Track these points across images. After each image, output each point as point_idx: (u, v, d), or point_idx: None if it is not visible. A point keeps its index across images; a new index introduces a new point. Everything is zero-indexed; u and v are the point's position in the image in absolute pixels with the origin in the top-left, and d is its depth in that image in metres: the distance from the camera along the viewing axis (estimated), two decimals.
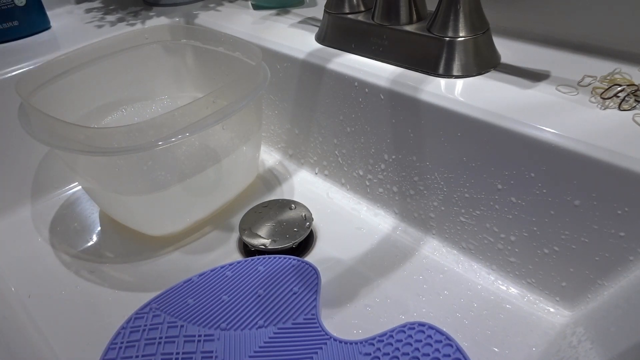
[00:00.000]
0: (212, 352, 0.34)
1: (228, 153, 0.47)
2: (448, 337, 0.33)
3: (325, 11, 0.50)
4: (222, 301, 0.38)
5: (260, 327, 0.36)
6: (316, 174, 0.55)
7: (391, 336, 0.34)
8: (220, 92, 0.40)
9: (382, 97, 0.43)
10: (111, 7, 0.69)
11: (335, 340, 0.35)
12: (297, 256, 0.42)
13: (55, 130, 0.38)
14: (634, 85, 0.36)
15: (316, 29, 0.53)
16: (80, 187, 0.56)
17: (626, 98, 0.35)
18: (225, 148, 0.47)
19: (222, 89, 0.40)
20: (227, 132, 0.46)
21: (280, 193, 0.53)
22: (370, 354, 0.33)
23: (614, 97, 0.35)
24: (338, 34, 0.49)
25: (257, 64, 0.45)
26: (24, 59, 0.53)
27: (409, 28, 0.44)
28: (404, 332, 0.34)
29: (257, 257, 0.42)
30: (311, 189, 0.53)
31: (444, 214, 0.43)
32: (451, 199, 0.42)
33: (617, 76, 0.38)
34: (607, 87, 0.36)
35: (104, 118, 0.55)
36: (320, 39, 0.51)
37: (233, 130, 0.47)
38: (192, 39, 0.55)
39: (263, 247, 0.43)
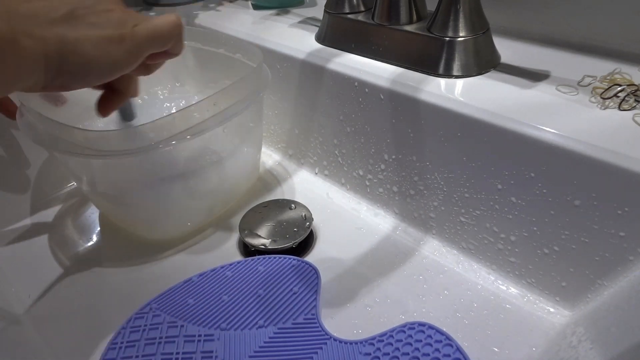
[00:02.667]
0: (212, 352, 0.34)
1: (230, 156, 0.47)
2: (448, 337, 0.33)
3: (325, 11, 0.50)
4: (222, 301, 0.38)
5: (260, 327, 0.36)
6: (316, 174, 0.55)
7: (391, 336, 0.34)
8: (221, 94, 0.40)
9: (382, 97, 0.43)
10: None
11: (335, 340, 0.35)
12: (297, 256, 0.42)
13: (55, 132, 0.38)
14: (634, 85, 0.36)
15: (316, 29, 0.53)
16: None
17: (626, 98, 0.35)
18: (228, 151, 0.47)
19: (223, 91, 0.40)
20: (229, 134, 0.46)
21: (280, 193, 0.53)
22: (370, 354, 0.33)
23: (614, 97, 0.35)
24: (338, 34, 0.49)
25: (258, 66, 0.45)
26: None
27: (409, 28, 0.44)
28: (404, 332, 0.34)
29: (257, 257, 0.42)
30: (311, 189, 0.53)
31: (444, 214, 0.43)
32: (451, 199, 0.42)
33: (617, 76, 0.38)
34: (607, 87, 0.36)
35: (103, 120, 0.54)
36: (320, 39, 0.51)
37: (235, 132, 0.47)
38: (192, 41, 0.54)
39: (263, 247, 0.43)
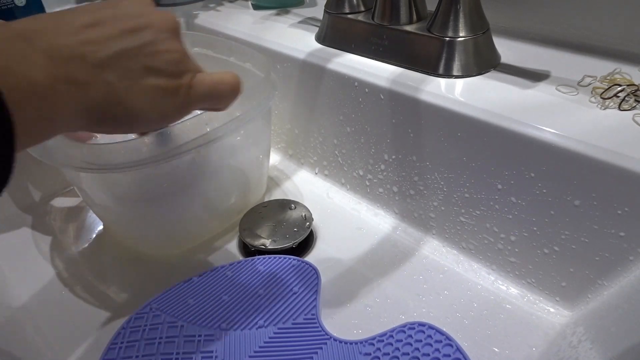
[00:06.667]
0: (212, 352, 0.34)
1: (243, 170, 0.47)
2: (448, 337, 0.33)
3: (325, 11, 0.50)
4: (222, 301, 0.38)
5: (260, 327, 0.36)
6: (316, 174, 0.55)
7: (391, 336, 0.34)
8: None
9: (382, 97, 0.43)
10: None
11: (335, 340, 0.35)
12: (297, 256, 0.42)
13: (59, 147, 0.37)
14: (634, 85, 0.36)
15: (316, 29, 0.53)
16: None
17: (626, 98, 0.35)
18: (239, 164, 0.46)
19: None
20: (244, 147, 0.45)
21: (280, 193, 0.53)
22: (370, 354, 0.33)
23: (614, 97, 0.35)
24: (338, 34, 0.49)
25: (266, 76, 0.43)
26: None
27: (409, 28, 0.44)
28: (404, 332, 0.34)
29: (257, 257, 0.42)
30: (311, 189, 0.53)
31: (444, 214, 0.43)
32: (451, 199, 0.42)
33: (617, 76, 0.38)
34: (607, 87, 0.36)
35: None
36: (320, 39, 0.51)
37: (245, 143, 0.45)
38: (204, 48, 0.53)
39: (263, 247, 0.43)
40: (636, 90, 0.35)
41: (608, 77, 0.38)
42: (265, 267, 0.40)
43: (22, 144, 0.20)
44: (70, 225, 0.51)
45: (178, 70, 0.26)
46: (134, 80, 0.24)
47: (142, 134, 0.34)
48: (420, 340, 0.33)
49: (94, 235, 0.49)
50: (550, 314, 0.37)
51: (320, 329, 0.35)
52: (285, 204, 0.48)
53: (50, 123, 0.22)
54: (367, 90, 0.44)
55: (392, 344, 0.34)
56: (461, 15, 0.40)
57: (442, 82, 0.41)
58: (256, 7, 0.65)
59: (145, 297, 0.38)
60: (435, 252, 0.44)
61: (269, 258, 0.41)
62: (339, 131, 0.49)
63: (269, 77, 0.44)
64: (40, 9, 0.62)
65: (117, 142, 0.36)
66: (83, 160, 0.36)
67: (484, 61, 0.41)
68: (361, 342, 0.34)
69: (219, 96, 0.28)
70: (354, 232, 0.47)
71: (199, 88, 0.27)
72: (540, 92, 0.38)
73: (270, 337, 0.35)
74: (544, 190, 0.35)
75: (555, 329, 0.36)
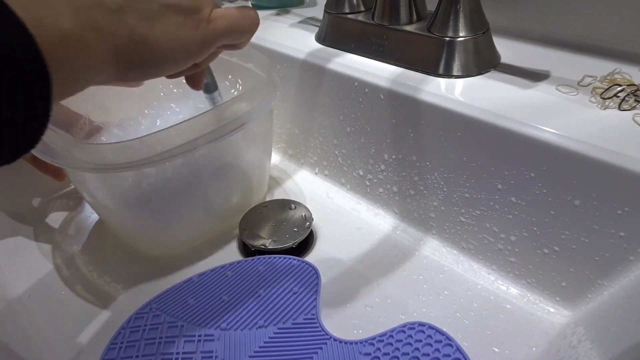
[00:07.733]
0: (212, 352, 0.34)
1: (247, 169, 0.47)
2: (448, 337, 0.33)
3: (325, 11, 0.50)
4: (222, 301, 0.38)
5: (260, 327, 0.36)
6: (316, 174, 0.55)
7: (391, 336, 0.34)
8: (230, 104, 0.39)
9: (382, 97, 0.43)
10: None
11: (335, 340, 0.35)
12: (297, 256, 0.42)
13: (60, 146, 0.36)
14: (634, 85, 0.36)
15: (316, 29, 0.53)
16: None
17: (626, 98, 0.35)
18: (242, 163, 0.46)
19: (232, 101, 0.39)
20: (240, 146, 0.44)
21: (280, 193, 0.53)
22: (370, 354, 0.33)
23: (614, 97, 0.35)
24: (338, 34, 0.49)
25: (267, 76, 0.43)
26: None
27: (409, 28, 0.44)
28: (404, 332, 0.34)
29: (257, 257, 0.42)
30: (311, 189, 0.53)
31: (444, 214, 0.43)
32: (451, 199, 0.42)
33: (617, 76, 0.38)
34: (607, 87, 0.36)
35: (110, 130, 0.52)
36: (320, 39, 0.51)
37: (246, 144, 0.45)
38: None
39: (263, 247, 0.43)
40: (636, 90, 0.35)
41: (608, 77, 0.38)
42: (265, 267, 0.40)
43: (57, 95, 0.20)
44: (70, 225, 0.51)
45: (195, 5, 0.27)
46: (154, 20, 0.25)
47: (172, 76, 0.34)
48: (420, 340, 0.33)
49: (94, 235, 0.49)
50: (550, 314, 0.37)
51: (320, 329, 0.35)
52: (286, 204, 0.48)
53: (82, 73, 0.22)
54: (367, 90, 0.44)
55: (392, 344, 0.34)
56: (461, 15, 0.40)
57: (442, 82, 0.41)
58: (256, 7, 0.65)
59: (145, 297, 0.38)
60: (435, 252, 0.44)
61: (269, 258, 0.41)
62: (339, 131, 0.49)
63: (271, 78, 0.44)
64: None
65: (117, 142, 0.36)
66: (84, 160, 0.36)
67: (484, 61, 0.42)
68: (361, 342, 0.34)
69: (240, 30, 0.29)
70: (354, 232, 0.47)
71: (220, 22, 0.28)
72: (540, 92, 0.38)
73: (270, 337, 0.35)
74: (544, 190, 0.35)
75: (555, 329, 0.36)
